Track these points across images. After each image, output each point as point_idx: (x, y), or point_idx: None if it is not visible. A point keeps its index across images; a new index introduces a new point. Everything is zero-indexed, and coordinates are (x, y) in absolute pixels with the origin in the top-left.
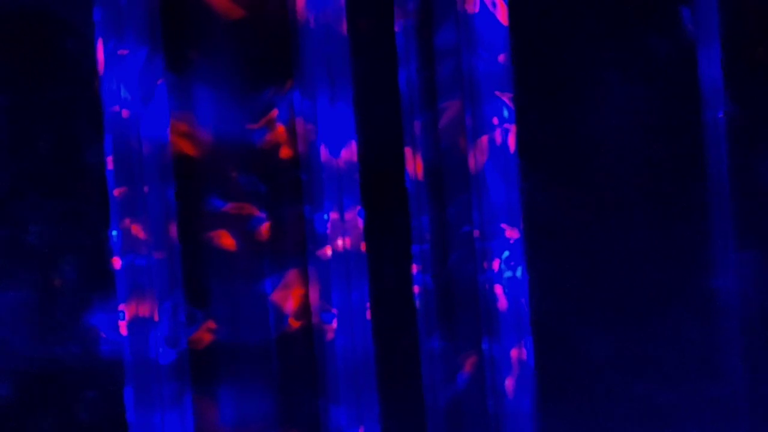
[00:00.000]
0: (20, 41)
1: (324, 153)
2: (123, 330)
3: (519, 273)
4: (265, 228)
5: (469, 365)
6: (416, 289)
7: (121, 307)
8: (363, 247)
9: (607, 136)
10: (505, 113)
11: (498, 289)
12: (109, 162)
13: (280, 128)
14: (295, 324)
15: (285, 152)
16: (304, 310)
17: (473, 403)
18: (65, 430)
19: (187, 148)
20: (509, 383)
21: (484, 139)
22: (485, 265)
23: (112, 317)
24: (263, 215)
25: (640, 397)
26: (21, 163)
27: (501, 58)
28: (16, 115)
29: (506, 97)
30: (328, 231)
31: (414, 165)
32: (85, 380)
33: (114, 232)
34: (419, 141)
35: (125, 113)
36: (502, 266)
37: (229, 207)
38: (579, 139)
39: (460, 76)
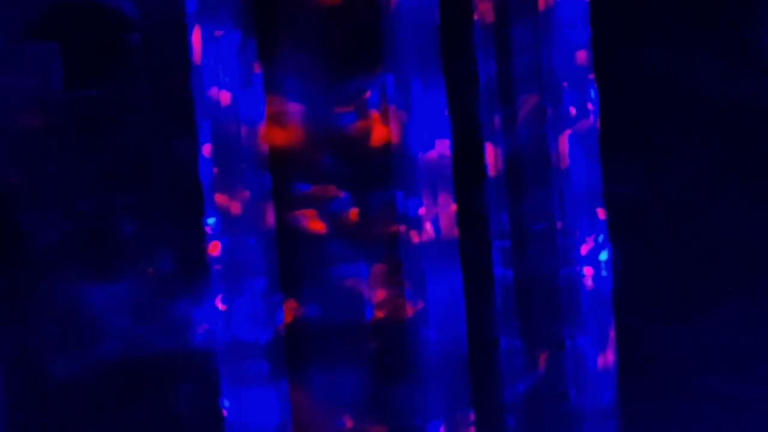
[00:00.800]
0: (86, 36)
1: (417, 139)
2: (217, 313)
3: (604, 257)
4: (353, 212)
5: (546, 360)
6: (496, 283)
7: (215, 290)
8: (456, 233)
9: (691, 122)
10: (591, 93)
11: (583, 274)
12: (206, 148)
13: (372, 113)
14: (385, 309)
15: (376, 137)
16: (395, 295)
17: (552, 396)
18: (163, 422)
19: (277, 132)
20: (591, 374)
21: (567, 123)
22: (568, 253)
23: (207, 307)
24: (351, 199)
25: (722, 393)
26: (106, 157)
27: (582, 41)
28: (100, 110)
29: (590, 76)
30: (421, 217)
31: (494, 159)
32: (181, 371)
33: (211, 220)
34: (498, 133)
35: (223, 98)
36: (589, 251)
37: (317, 191)
38: (661, 125)
39: (540, 64)
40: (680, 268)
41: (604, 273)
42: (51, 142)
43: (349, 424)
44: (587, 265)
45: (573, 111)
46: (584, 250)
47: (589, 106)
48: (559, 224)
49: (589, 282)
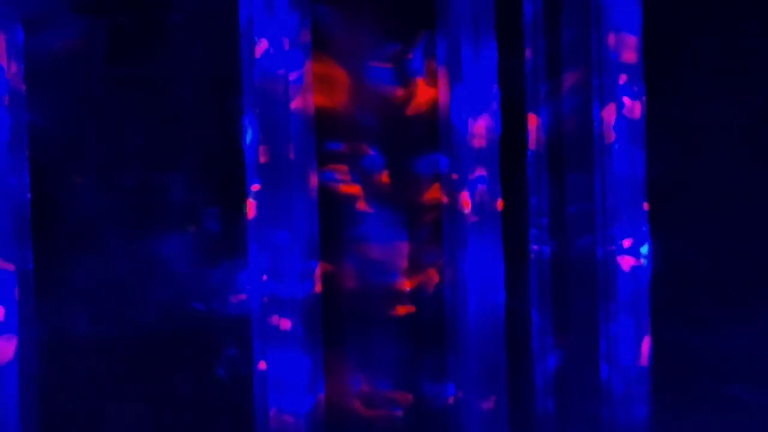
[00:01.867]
0: (129, 14)
1: (466, 105)
2: (255, 272)
3: (644, 250)
4: (386, 175)
5: (579, 338)
6: (532, 259)
7: (254, 249)
8: (498, 205)
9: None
10: (635, 84)
11: (620, 262)
12: (249, 108)
13: (420, 75)
14: (422, 276)
15: (422, 99)
16: (433, 262)
17: (583, 375)
18: (202, 384)
19: (321, 92)
20: (624, 355)
21: (612, 110)
22: (607, 232)
23: (247, 271)
24: (391, 162)
25: (749, 402)
26: (148, 132)
27: (633, 21)
28: (142, 86)
29: (640, 59)
30: (465, 184)
31: (536, 133)
32: (221, 335)
33: (253, 180)
34: (542, 107)
35: (270, 55)
36: (630, 242)
37: (354, 149)
38: (709, 115)
39: (588, 46)
40: (721, 265)
41: (644, 262)
42: (92, 116)
43: (380, 387)
44: (627, 253)
45: (619, 93)
46: (625, 238)
47: (636, 89)
48: (599, 202)
49: (626, 263)
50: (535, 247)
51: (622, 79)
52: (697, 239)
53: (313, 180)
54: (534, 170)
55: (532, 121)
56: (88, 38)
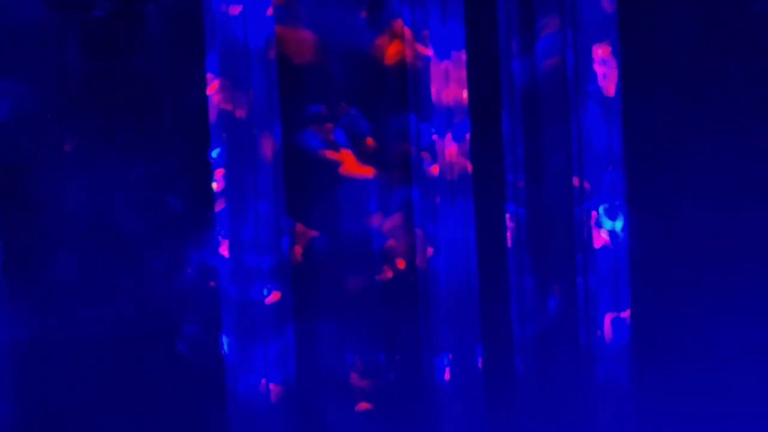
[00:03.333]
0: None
1: (434, 62)
2: (221, 243)
3: (619, 224)
4: (362, 135)
5: (558, 298)
6: (508, 218)
7: (220, 217)
8: (469, 164)
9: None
10: (609, 46)
11: (596, 231)
12: (213, 63)
13: (387, 30)
14: (395, 238)
15: (391, 55)
16: (406, 224)
17: (563, 335)
18: (168, 364)
19: (287, 48)
20: (602, 313)
21: (587, 61)
22: (584, 189)
23: (217, 243)
24: (362, 120)
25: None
26: (122, 127)
27: None
28: (116, 81)
29: (611, 18)
30: (434, 144)
31: (510, 91)
32: (185, 313)
33: (215, 151)
34: (516, 58)
35: (233, 12)
36: (603, 209)
37: (327, 110)
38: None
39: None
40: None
41: (620, 235)
42: (67, 113)
43: (356, 354)
44: (604, 215)
45: (596, 51)
46: (602, 204)
47: (610, 43)
48: (575, 156)
49: (604, 225)
50: (511, 204)
51: (596, 32)
52: (677, 211)
53: (277, 138)
54: (509, 124)
55: (506, 75)
56: (63, 31)
